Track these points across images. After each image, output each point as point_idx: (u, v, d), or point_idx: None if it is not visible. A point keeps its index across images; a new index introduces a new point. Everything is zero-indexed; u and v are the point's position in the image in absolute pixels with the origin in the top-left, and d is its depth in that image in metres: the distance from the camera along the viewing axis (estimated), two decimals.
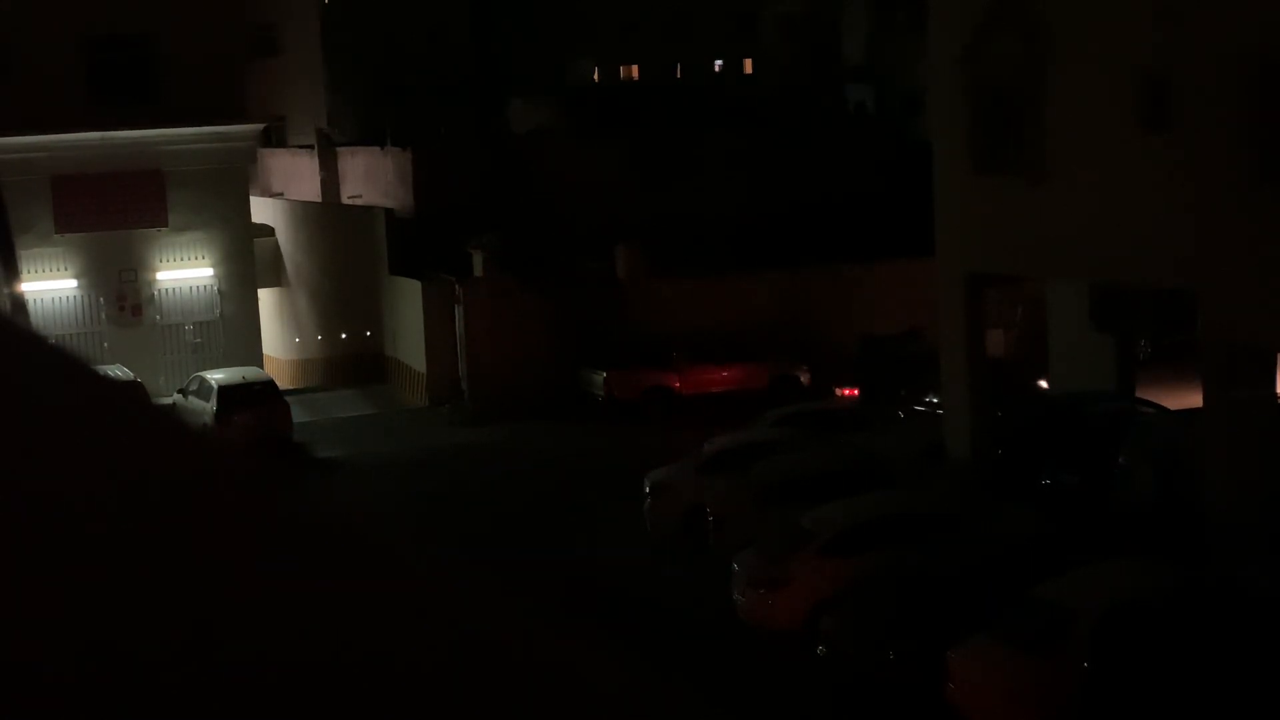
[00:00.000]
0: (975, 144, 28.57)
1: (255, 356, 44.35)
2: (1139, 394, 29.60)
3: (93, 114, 42.11)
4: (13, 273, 29.68)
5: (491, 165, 46.62)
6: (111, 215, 43.31)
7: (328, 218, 49.41)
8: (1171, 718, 18.11)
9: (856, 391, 35.22)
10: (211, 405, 37.39)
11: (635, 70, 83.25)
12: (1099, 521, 24.66)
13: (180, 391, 39.70)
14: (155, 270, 44.17)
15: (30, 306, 37.34)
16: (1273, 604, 18.98)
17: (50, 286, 42.91)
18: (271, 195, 53.56)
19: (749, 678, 21.14)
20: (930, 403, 32.49)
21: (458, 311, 40.55)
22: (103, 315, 43.77)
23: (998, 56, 27.79)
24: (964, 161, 28.85)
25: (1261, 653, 18.25)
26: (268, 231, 49.31)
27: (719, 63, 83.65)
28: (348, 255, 46.64)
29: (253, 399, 37.50)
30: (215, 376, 38.78)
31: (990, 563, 21.13)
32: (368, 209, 47.40)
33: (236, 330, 44.67)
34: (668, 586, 25.43)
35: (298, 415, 38.82)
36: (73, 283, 43.51)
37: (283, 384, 41.31)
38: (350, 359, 45.98)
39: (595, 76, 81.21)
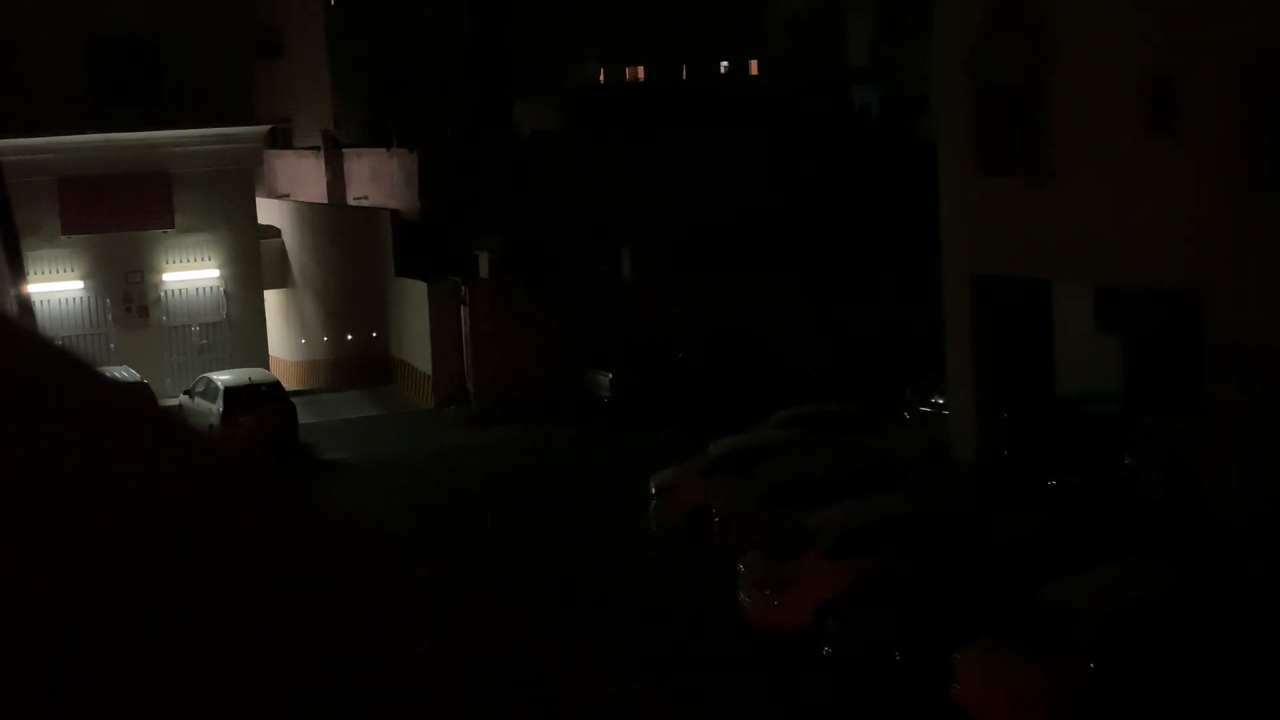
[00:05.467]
0: (980, 145, 28.57)
1: (261, 358, 44.35)
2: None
3: (99, 116, 42.14)
4: (19, 274, 29.69)
5: (497, 166, 46.61)
6: (118, 217, 43.33)
7: (333, 219, 49.42)
8: (1177, 719, 18.10)
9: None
10: (217, 406, 37.41)
11: (640, 71, 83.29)
12: (1104, 522, 24.64)
13: (186, 393, 39.71)
14: (161, 271, 44.18)
15: (36, 308, 37.36)
16: (1278, 605, 18.96)
17: (57, 288, 42.94)
18: (277, 197, 53.58)
19: (754, 679, 21.13)
20: (935, 404, 32.48)
21: (463, 313, 40.55)
22: (109, 316, 43.80)
23: (1002, 58, 27.78)
24: (969, 163, 28.85)
25: (1267, 653, 18.24)
26: (274, 233, 49.32)
27: (724, 64, 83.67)
28: (353, 256, 46.65)
29: (259, 400, 37.51)
30: (221, 378, 38.80)
31: (995, 564, 21.12)
32: (373, 210, 47.41)
33: (242, 331, 44.68)
34: (672, 588, 25.42)
35: (303, 416, 38.82)
36: (79, 284, 43.53)
37: (288, 385, 41.30)
38: (356, 360, 45.97)
39: (601, 78, 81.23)
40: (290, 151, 58.33)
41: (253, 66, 48.62)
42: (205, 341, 44.38)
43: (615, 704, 1.31)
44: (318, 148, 54.56)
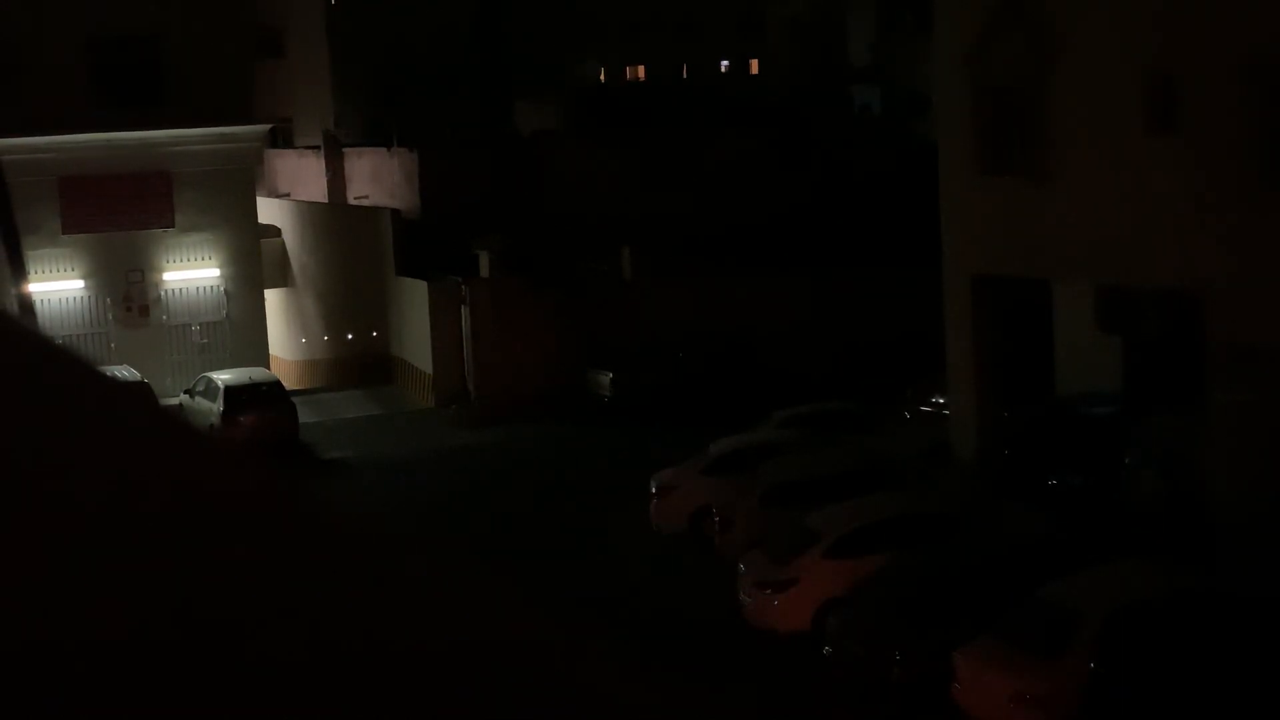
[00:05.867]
0: (981, 145, 28.55)
1: (262, 357, 44.35)
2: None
3: (100, 115, 42.12)
4: (20, 273, 29.70)
5: (497, 166, 46.61)
6: (118, 216, 43.33)
7: (334, 219, 49.42)
8: (1178, 719, 18.10)
9: None
10: (218, 406, 37.40)
11: (641, 71, 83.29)
12: (1105, 522, 24.64)
13: (187, 392, 39.71)
14: (162, 271, 44.18)
15: (37, 307, 37.35)
16: (1278, 604, 18.96)
17: (57, 287, 42.93)
18: (278, 196, 53.58)
19: (755, 678, 21.13)
20: (936, 403, 32.47)
21: (464, 312, 40.54)
22: (109, 316, 43.79)
23: (1004, 58, 27.77)
24: (970, 163, 28.83)
25: (1268, 654, 18.24)
26: (274, 232, 49.31)
27: (725, 63, 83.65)
28: (354, 256, 46.65)
29: (259, 400, 37.50)
30: (222, 377, 38.79)
31: (996, 563, 21.12)
32: (374, 210, 47.40)
33: (243, 331, 44.67)
34: (673, 587, 25.42)
35: (304, 416, 38.81)
36: (80, 283, 43.52)
37: (289, 384, 41.30)
38: (356, 360, 45.97)
39: (601, 77, 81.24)
40: (291, 151, 58.31)
41: (253, 66, 48.61)
42: (206, 341, 44.36)
43: (617, 703, 1.31)
44: (318, 147, 54.55)
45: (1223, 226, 23.80)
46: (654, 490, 28.65)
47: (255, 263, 45.46)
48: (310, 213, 50.55)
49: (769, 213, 45.45)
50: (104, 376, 2.00)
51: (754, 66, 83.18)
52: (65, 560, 1.33)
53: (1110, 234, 25.76)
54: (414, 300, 42.70)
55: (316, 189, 52.75)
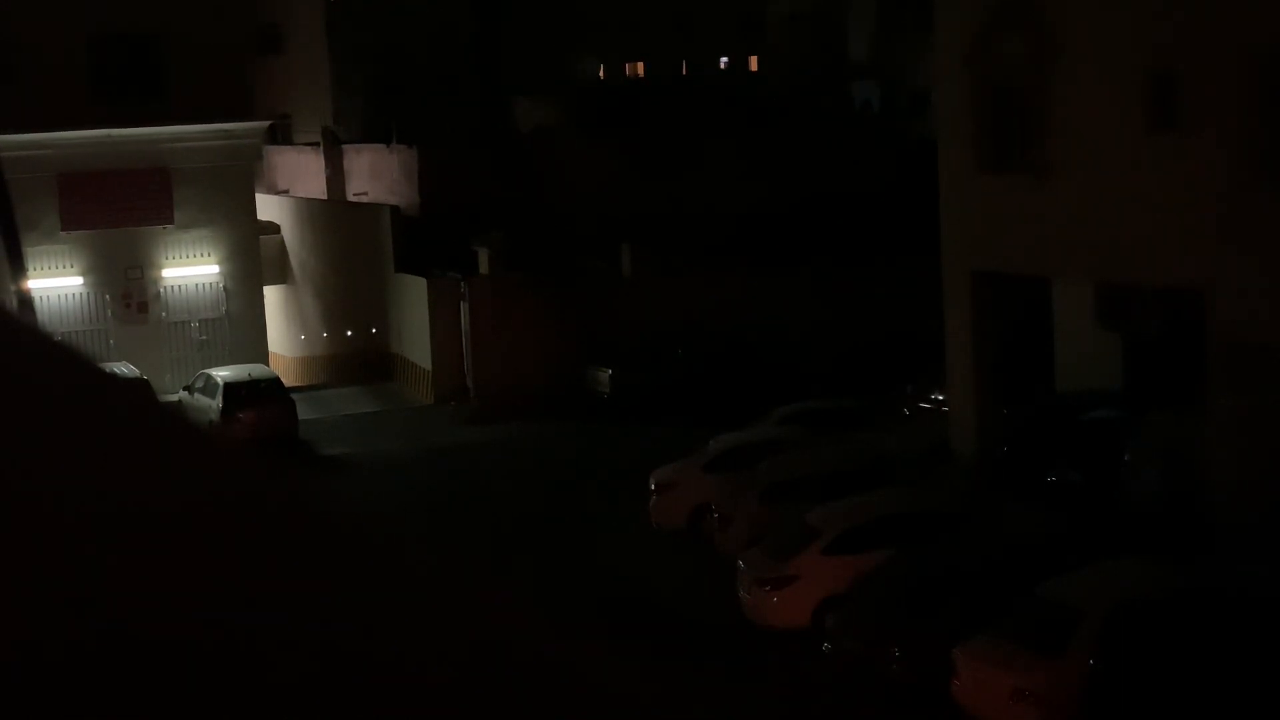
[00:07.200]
0: (981, 142, 28.55)
1: (261, 354, 44.37)
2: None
3: (99, 112, 42.14)
4: (19, 269, 29.70)
5: (497, 163, 46.62)
6: (117, 213, 43.34)
7: (333, 215, 49.44)
8: (1178, 716, 18.10)
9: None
10: (217, 402, 37.42)
11: (640, 68, 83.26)
12: (1105, 520, 24.64)
13: (186, 389, 39.72)
14: (161, 267, 44.20)
15: (36, 303, 37.34)
16: (1277, 604, 18.96)
17: (56, 284, 42.95)
18: (277, 193, 53.59)
19: (754, 675, 21.14)
20: (936, 400, 32.48)
21: (463, 309, 40.55)
22: (109, 312, 43.81)
23: (1004, 55, 27.77)
24: (970, 160, 28.84)
25: (1267, 651, 18.24)
26: (273, 229, 49.33)
27: (724, 60, 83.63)
28: (353, 252, 46.67)
29: (258, 396, 37.53)
30: (221, 374, 38.81)
31: (996, 561, 21.13)
32: (373, 206, 47.41)
33: (242, 327, 44.70)
34: (673, 584, 25.43)
35: (303, 412, 38.83)
36: (79, 280, 43.54)
37: (288, 381, 41.31)
38: (356, 356, 45.99)
39: (600, 74, 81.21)
40: (290, 147, 58.33)
41: (253, 63, 48.62)
42: (205, 337, 44.38)
43: (617, 701, 1.30)
44: (317, 144, 54.57)
45: (1223, 224, 23.79)
46: (653, 487, 28.65)
47: (254, 259, 45.48)
48: (309, 209, 50.57)
49: (769, 209, 45.44)
50: (103, 373, 1.99)
51: (753, 63, 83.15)
52: (65, 558, 1.32)
53: (1110, 231, 25.76)
54: (413, 297, 42.71)
55: (316, 186, 52.77)
